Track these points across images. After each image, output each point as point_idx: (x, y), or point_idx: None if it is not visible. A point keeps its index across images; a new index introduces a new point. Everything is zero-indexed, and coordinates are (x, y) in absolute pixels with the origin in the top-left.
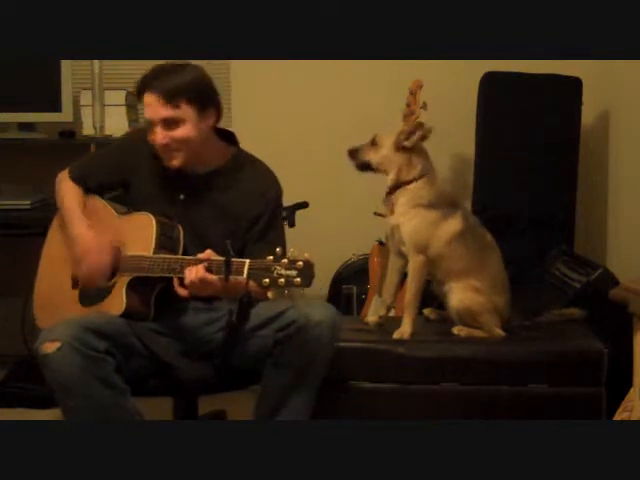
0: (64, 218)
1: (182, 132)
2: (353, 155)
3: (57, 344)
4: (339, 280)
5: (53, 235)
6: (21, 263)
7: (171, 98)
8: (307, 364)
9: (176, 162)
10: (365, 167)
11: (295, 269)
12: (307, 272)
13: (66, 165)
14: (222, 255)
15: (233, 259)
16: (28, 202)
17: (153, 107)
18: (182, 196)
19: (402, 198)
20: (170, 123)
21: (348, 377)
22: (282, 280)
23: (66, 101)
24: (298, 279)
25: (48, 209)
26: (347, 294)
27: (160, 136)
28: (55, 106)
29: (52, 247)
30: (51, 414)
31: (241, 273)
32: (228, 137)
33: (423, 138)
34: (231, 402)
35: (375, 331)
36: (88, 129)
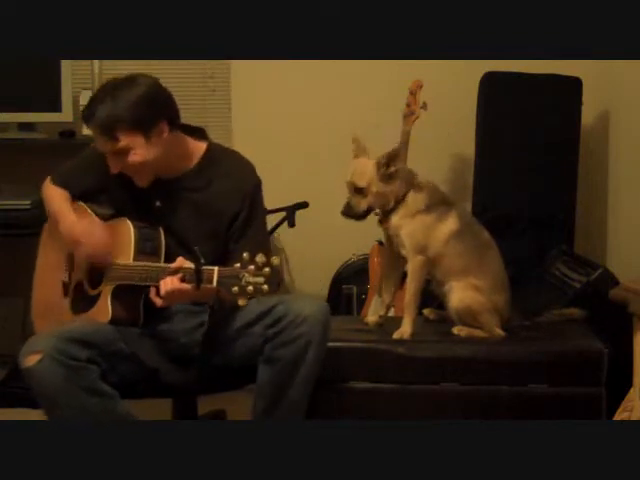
0: (53, 218)
1: (133, 159)
2: (350, 214)
3: (38, 356)
4: (339, 280)
5: (44, 244)
6: (21, 263)
7: (108, 132)
8: (298, 359)
9: (143, 182)
10: (366, 215)
11: (262, 276)
12: (273, 278)
13: None
14: (193, 260)
15: (203, 267)
16: (28, 202)
17: (97, 140)
18: (158, 203)
19: (396, 214)
20: (118, 153)
21: (348, 377)
22: (250, 288)
23: (66, 101)
24: (265, 286)
25: None
26: (347, 294)
27: (112, 166)
28: (55, 106)
29: (44, 255)
30: None
31: (211, 282)
32: (197, 133)
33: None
34: (230, 402)
35: (375, 331)
36: (88, 129)
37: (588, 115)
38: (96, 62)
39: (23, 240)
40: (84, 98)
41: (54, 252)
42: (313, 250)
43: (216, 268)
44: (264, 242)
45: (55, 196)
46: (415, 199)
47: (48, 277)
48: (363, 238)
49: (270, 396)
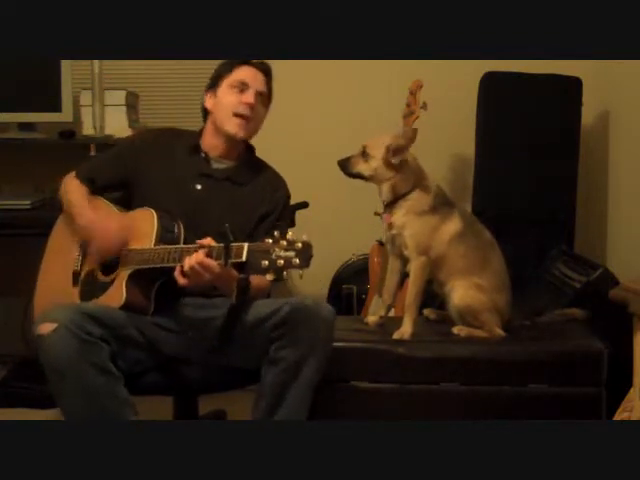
0: (70, 212)
1: (261, 111)
2: (343, 166)
3: (53, 325)
4: (339, 280)
5: (57, 232)
6: (21, 263)
7: (269, 80)
8: (302, 361)
9: (243, 133)
10: (356, 177)
11: (293, 250)
12: (306, 253)
13: (66, 165)
14: (222, 240)
15: (232, 244)
16: (28, 202)
17: (253, 77)
18: (199, 186)
19: (400, 210)
20: (260, 97)
21: (348, 377)
22: (281, 261)
23: (66, 101)
24: (297, 260)
25: (48, 209)
26: (347, 294)
27: (252, 98)
28: (55, 106)
29: (55, 244)
30: (51, 414)
31: (240, 256)
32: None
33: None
34: (231, 402)
35: (375, 331)
36: (88, 129)
37: (588, 115)
38: (96, 62)
39: (23, 240)
40: (84, 98)
41: (65, 243)
42: (313, 250)
43: (246, 244)
44: None
45: (74, 190)
46: (420, 199)
47: (55, 267)
48: (363, 238)
49: (273, 397)
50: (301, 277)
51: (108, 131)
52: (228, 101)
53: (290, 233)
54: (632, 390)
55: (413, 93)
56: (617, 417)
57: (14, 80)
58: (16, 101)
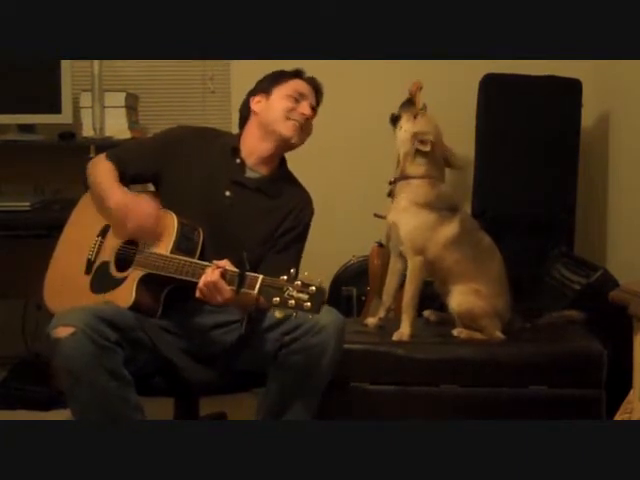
0: (99, 194)
1: (310, 126)
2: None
3: (71, 329)
4: (339, 281)
5: (75, 217)
6: (21, 265)
7: (319, 98)
8: (311, 368)
9: (297, 138)
10: (395, 120)
11: (307, 293)
12: (318, 298)
13: (66, 167)
14: (238, 265)
15: (247, 273)
16: (27, 204)
17: (309, 91)
18: (228, 193)
19: (402, 193)
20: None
21: (348, 378)
22: (292, 302)
23: (66, 103)
24: (308, 303)
25: (47, 211)
26: (347, 296)
27: (308, 110)
28: (55, 108)
29: (72, 230)
30: (51, 415)
31: (253, 288)
32: None
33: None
34: (232, 404)
35: (375, 333)
36: (88, 131)
37: (588, 116)
38: (96, 63)
39: (23, 241)
40: (84, 100)
41: (82, 230)
42: (313, 251)
43: (260, 276)
44: (298, 263)
45: (104, 171)
46: (419, 187)
47: (69, 252)
48: (363, 240)
49: (279, 402)
50: (311, 318)
51: (108, 133)
52: (283, 106)
53: (306, 273)
54: (632, 392)
55: (413, 94)
56: (617, 419)
57: (14, 81)
58: (16, 102)
